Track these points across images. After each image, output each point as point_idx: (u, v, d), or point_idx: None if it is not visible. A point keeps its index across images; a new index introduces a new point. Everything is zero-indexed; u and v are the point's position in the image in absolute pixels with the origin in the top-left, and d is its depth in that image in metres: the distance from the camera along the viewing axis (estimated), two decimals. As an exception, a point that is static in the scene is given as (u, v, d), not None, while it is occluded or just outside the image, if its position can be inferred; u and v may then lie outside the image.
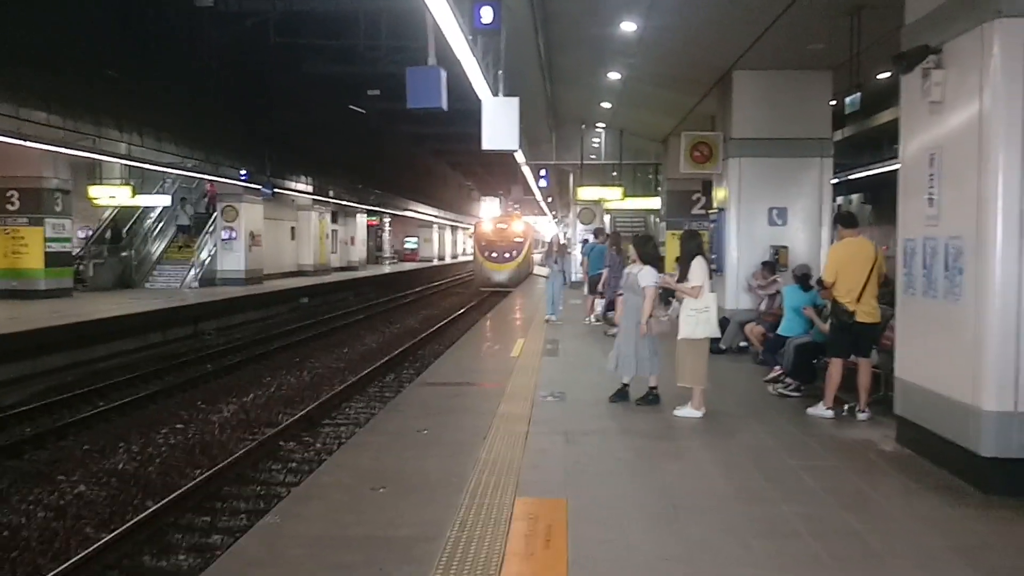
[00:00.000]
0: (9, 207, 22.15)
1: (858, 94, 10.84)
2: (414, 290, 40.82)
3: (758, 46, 12.08)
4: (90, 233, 29.15)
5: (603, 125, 25.49)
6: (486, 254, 37.62)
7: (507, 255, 37.31)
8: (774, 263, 12.91)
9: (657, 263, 9.23)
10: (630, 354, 8.92)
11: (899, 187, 7.31)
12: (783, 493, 5.93)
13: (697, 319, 8.52)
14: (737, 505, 5.67)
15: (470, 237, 69.31)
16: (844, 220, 8.72)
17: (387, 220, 60.08)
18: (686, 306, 8.62)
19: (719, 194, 14.63)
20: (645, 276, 8.83)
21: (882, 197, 30.08)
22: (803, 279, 10.25)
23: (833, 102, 13.53)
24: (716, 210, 15.10)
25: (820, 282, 8.83)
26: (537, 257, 49.68)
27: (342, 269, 44.45)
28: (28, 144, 18.67)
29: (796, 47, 12.06)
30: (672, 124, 19.84)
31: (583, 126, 25.79)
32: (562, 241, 20.35)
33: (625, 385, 9.15)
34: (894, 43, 7.37)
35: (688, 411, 8.50)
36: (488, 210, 73.21)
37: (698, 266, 8.61)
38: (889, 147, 23.83)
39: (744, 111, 13.53)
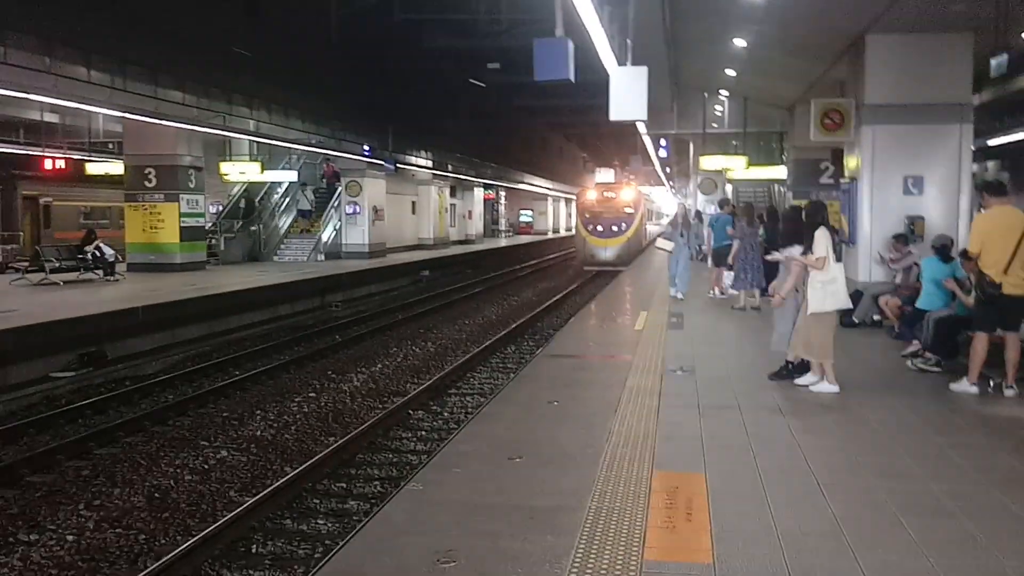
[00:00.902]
0: (147, 184, 23.14)
1: (1005, 56, 10.27)
2: (530, 263, 40.94)
3: (895, 9, 11.61)
4: (221, 208, 30.26)
5: (726, 93, 24.97)
6: (590, 227, 32.52)
7: (614, 228, 32.07)
8: (907, 235, 12.44)
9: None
10: (787, 332, 8.70)
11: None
12: (930, 471, 5.74)
13: (824, 291, 8.25)
14: (881, 482, 5.51)
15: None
16: (991, 188, 8.29)
17: (503, 193, 60.37)
18: (813, 279, 8.37)
19: (851, 163, 14.18)
20: (794, 249, 8.60)
21: (1022, 164, 28.55)
22: (943, 250, 9.84)
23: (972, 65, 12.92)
24: (847, 180, 14.63)
25: (964, 253, 8.46)
26: (654, 229, 48.56)
27: (460, 242, 44.94)
28: (165, 123, 19.47)
29: (936, 8, 11.55)
30: (799, 91, 19.29)
31: (705, 94, 25.32)
32: (695, 210, 18.55)
33: (788, 363, 8.82)
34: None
35: (824, 386, 8.29)
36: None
37: (822, 237, 8.33)
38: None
39: (878, 76, 13.07)
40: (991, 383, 8.10)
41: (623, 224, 32.07)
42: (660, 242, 14.52)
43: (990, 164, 31.98)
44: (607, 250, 31.94)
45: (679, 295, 16.35)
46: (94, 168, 28.34)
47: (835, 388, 8.23)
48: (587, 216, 32.73)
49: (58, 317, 13.77)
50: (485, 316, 21.17)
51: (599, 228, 32.18)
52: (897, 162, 13.11)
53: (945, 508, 5.03)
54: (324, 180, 32.61)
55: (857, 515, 4.92)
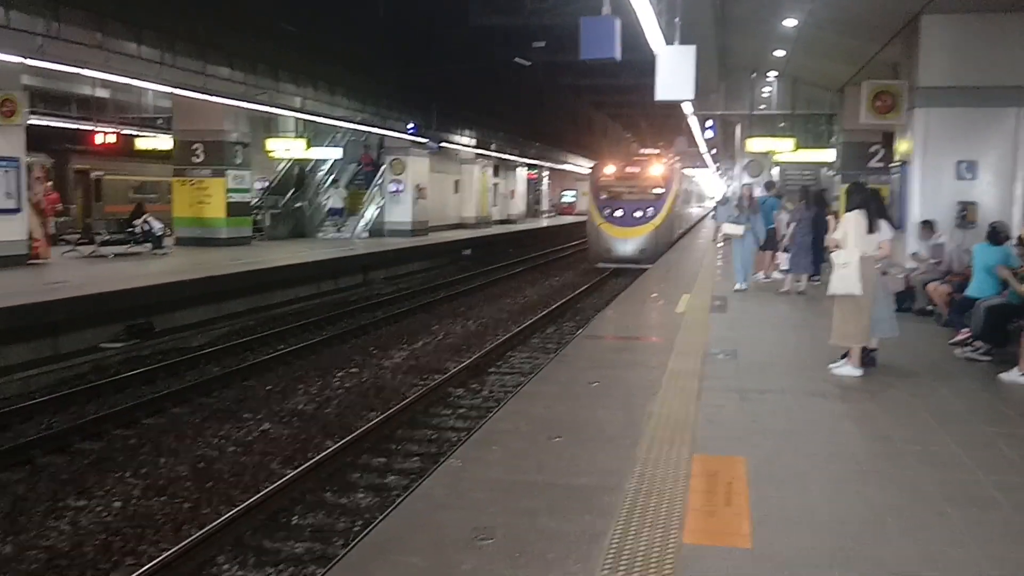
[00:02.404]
0: (194, 159, 23.39)
1: (1066, 37, 10.00)
2: (572, 243, 40.77)
3: (953, -12, 11.34)
4: (267, 184, 30.50)
5: (775, 74, 24.62)
6: (606, 212, 25.12)
7: (638, 213, 24.74)
8: (933, 222, 12.24)
9: (887, 215, 8.78)
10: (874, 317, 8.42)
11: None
12: (978, 461, 5.63)
13: (837, 274, 8.14)
14: (927, 470, 5.43)
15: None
16: (1049, 174, 8.09)
17: (545, 173, 60.20)
18: (834, 259, 8.26)
19: (902, 146, 13.93)
20: (883, 232, 8.42)
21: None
22: (994, 235, 9.62)
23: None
24: (898, 163, 14.37)
25: (1020, 240, 8.27)
26: (696, 212, 45.94)
27: (502, 222, 44.92)
28: (212, 98, 19.63)
29: (994, -12, 11.26)
30: (850, 72, 18.97)
31: (753, 75, 25.00)
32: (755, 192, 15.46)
33: (872, 349, 8.58)
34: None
35: (847, 369, 8.17)
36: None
37: (851, 219, 8.17)
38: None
39: (933, 58, 12.79)
40: (1042, 374, 7.93)
41: (650, 209, 24.88)
42: (728, 227, 12.97)
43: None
44: (628, 242, 24.64)
45: (744, 286, 14.68)
46: (143, 143, 28.68)
47: (858, 372, 8.11)
48: (603, 197, 25.54)
49: (107, 289, 14.00)
50: (526, 296, 21.17)
51: (618, 213, 24.91)
52: (950, 146, 12.85)
53: (991, 499, 4.94)
54: (361, 168, 32.14)
55: (900, 503, 4.85)
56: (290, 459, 8.59)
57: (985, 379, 8.12)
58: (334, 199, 30.39)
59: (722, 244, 22.38)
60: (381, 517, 4.84)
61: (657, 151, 32.37)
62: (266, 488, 7.39)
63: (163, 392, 10.92)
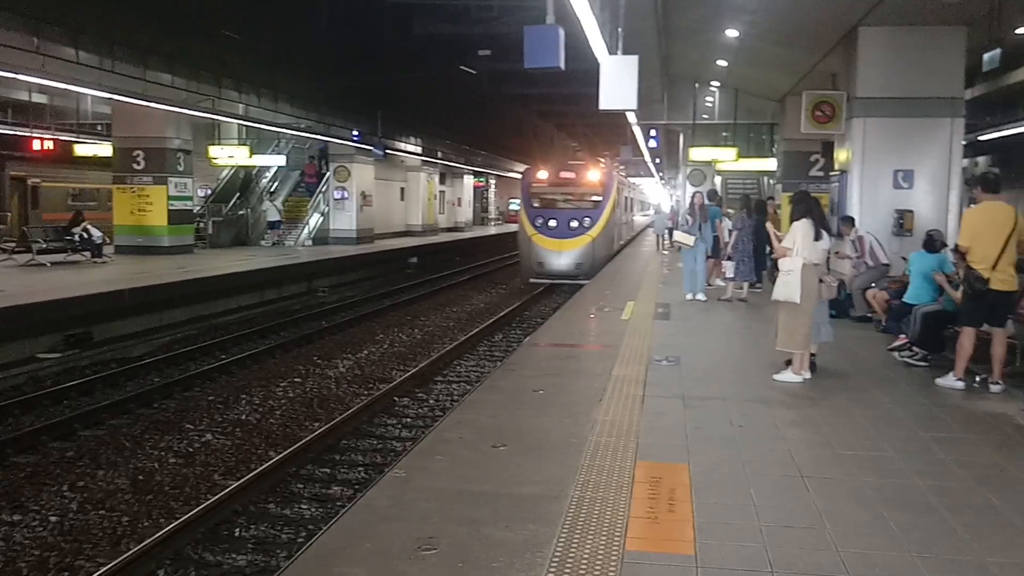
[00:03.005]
0: (135, 166, 23.01)
1: (998, 50, 10.30)
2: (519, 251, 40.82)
3: (888, 0, 11.59)
4: (209, 192, 30.09)
5: (717, 84, 24.94)
6: (538, 222, 22.50)
7: (573, 224, 22.39)
8: (852, 218, 12.53)
9: (828, 226, 8.95)
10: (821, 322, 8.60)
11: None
12: (914, 465, 5.74)
13: (780, 281, 8.28)
14: (865, 475, 5.51)
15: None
16: (985, 182, 8.24)
17: (492, 181, 60.27)
18: (780, 266, 8.41)
19: (841, 155, 14.19)
20: (825, 241, 8.55)
21: (1014, 159, 28.64)
22: (930, 243, 9.85)
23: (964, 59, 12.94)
24: (837, 172, 14.63)
25: (954, 248, 8.46)
26: (640, 220, 45.67)
27: (449, 230, 44.87)
28: (153, 105, 19.33)
29: (929, 1, 11.53)
30: (790, 83, 19.27)
31: (696, 85, 25.29)
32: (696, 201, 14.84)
33: (812, 355, 8.70)
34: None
35: (788, 376, 8.30)
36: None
37: (796, 229, 8.32)
38: None
39: (870, 69, 13.07)
40: (977, 378, 8.11)
41: (587, 218, 22.52)
42: (679, 235, 12.74)
43: (980, 159, 32.11)
44: (563, 256, 22.11)
45: (699, 296, 14.52)
46: (82, 150, 28.14)
47: (798, 378, 8.24)
48: (535, 206, 23.02)
49: (44, 298, 13.71)
50: (473, 304, 21.17)
51: (552, 223, 22.43)
52: (888, 155, 13.12)
53: (928, 503, 5.03)
54: (304, 179, 31.72)
55: (840, 508, 4.92)
56: (232, 470, 8.49)
57: (922, 384, 8.28)
58: (270, 211, 29.85)
59: (668, 252, 22.53)
60: (323, 529, 4.77)
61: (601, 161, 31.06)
62: (207, 500, 7.28)
63: (102, 403, 10.70)
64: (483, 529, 4.51)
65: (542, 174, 23.49)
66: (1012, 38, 14.10)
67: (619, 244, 27.35)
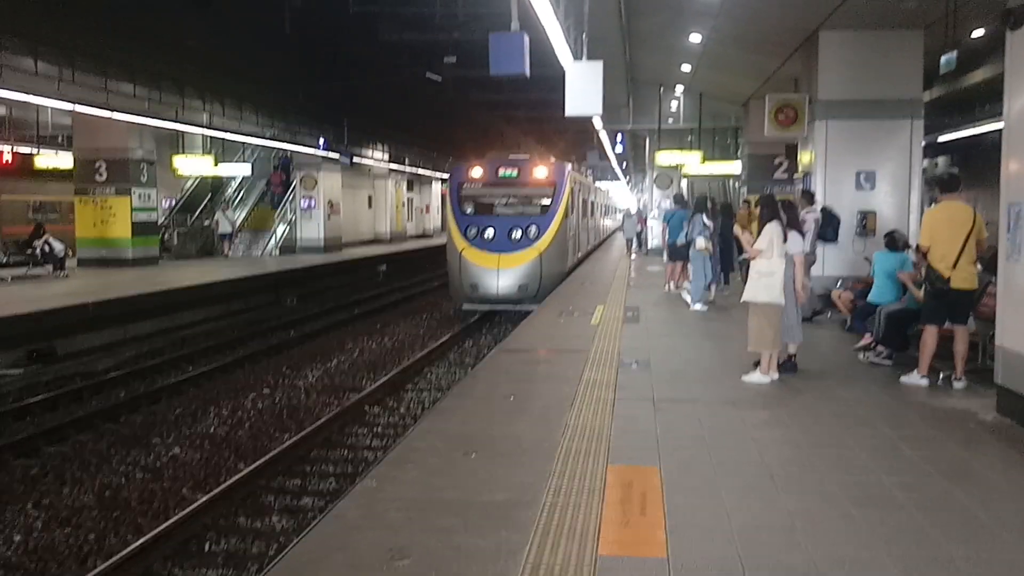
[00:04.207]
0: (97, 178, 22.75)
1: (954, 53, 10.46)
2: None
3: (847, 5, 11.77)
4: (174, 203, 29.81)
5: (682, 88, 25.12)
6: (470, 232, 18.06)
7: (516, 234, 17.93)
8: (812, 193, 12.60)
9: (799, 227, 9.06)
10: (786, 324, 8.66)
11: (1003, 150, 7.02)
12: (880, 462, 5.81)
13: (759, 283, 8.36)
14: (834, 475, 5.56)
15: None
16: (944, 183, 8.39)
17: (460, 188, 60.19)
18: (752, 269, 8.49)
19: (804, 158, 14.34)
20: (792, 243, 8.66)
21: (972, 160, 29.09)
22: (892, 242, 9.99)
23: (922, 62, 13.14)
24: (801, 175, 14.79)
25: (916, 248, 8.58)
26: (607, 225, 44.56)
27: (418, 237, 44.81)
28: (115, 116, 19.13)
29: (887, 6, 11.71)
30: (753, 87, 19.46)
31: (661, 89, 25.47)
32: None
33: (792, 355, 8.86)
34: (992, 1, 7.07)
35: (756, 377, 8.38)
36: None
37: (769, 230, 8.42)
38: (981, 108, 22.98)
39: (831, 72, 13.24)
40: (940, 376, 8.22)
41: (533, 226, 18.04)
42: (701, 243, 11.86)
43: (940, 160, 32.58)
44: (502, 275, 17.44)
45: (700, 308, 13.64)
46: (43, 161, 27.80)
47: (767, 379, 8.32)
48: (467, 212, 18.58)
49: (5, 313, 13.49)
50: (443, 311, 21.10)
51: (488, 233, 17.95)
52: (850, 157, 13.29)
53: (895, 500, 5.09)
54: (271, 189, 31.31)
55: (809, 508, 4.96)
56: (201, 484, 8.39)
57: (887, 382, 8.38)
58: (222, 223, 28.69)
59: (635, 258, 22.54)
60: (294, 541, 4.74)
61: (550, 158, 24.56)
62: (176, 515, 7.20)
63: (66, 419, 10.55)
64: (455, 537, 4.50)
65: (476, 171, 18.97)
66: (968, 42, 14.32)
67: (577, 257, 22.92)
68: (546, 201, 18.61)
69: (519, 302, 17.45)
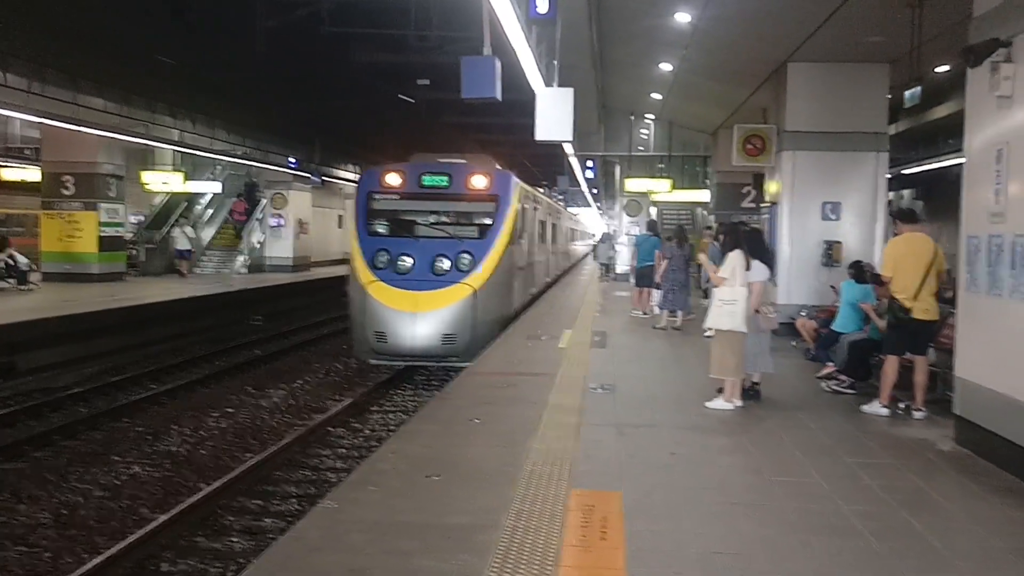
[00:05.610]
0: (64, 192, 22.52)
1: (918, 88, 10.64)
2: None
3: (815, 38, 11.94)
4: (142, 219, 29.56)
5: (652, 116, 25.32)
6: (379, 261, 13.64)
7: (441, 263, 13.66)
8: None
9: (765, 255, 9.14)
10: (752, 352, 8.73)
11: (963, 183, 7.16)
12: (840, 491, 5.85)
13: (722, 310, 8.43)
14: (793, 502, 5.61)
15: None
16: (903, 215, 8.57)
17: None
18: (715, 295, 8.58)
19: (771, 187, 14.50)
20: (754, 272, 8.69)
21: (936, 193, 29.51)
22: (857, 274, 10.11)
23: (888, 96, 13.37)
24: (768, 204, 14.95)
25: (877, 278, 8.70)
26: (580, 249, 43.13)
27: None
28: (84, 130, 18.98)
29: (854, 39, 11.90)
30: (723, 116, 19.67)
31: (632, 117, 25.65)
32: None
33: (756, 383, 8.94)
34: (956, 36, 7.24)
35: (719, 403, 8.43)
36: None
37: (732, 258, 8.51)
38: (945, 142, 23.37)
39: (799, 104, 13.42)
40: (901, 405, 8.32)
41: (465, 254, 13.80)
42: (712, 268, 10.39)
43: (905, 192, 33.04)
44: (420, 320, 13.03)
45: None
46: (9, 174, 27.48)
47: (731, 406, 8.38)
48: (377, 231, 14.51)
49: (-35, 327, 13.30)
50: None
51: (404, 262, 13.64)
52: (816, 188, 13.45)
53: (853, 527, 5.14)
54: (233, 216, 30.86)
55: (768, 534, 5.00)
56: (161, 503, 8.29)
57: (849, 411, 8.46)
58: (179, 239, 27.74)
59: (606, 281, 22.60)
60: (252, 562, 4.70)
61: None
62: (134, 534, 7.10)
63: (24, 435, 10.39)
64: (415, 560, 4.49)
65: (392, 177, 14.76)
66: (932, 76, 14.58)
67: (530, 294, 18.43)
68: (486, 220, 14.57)
69: (444, 357, 13.41)
